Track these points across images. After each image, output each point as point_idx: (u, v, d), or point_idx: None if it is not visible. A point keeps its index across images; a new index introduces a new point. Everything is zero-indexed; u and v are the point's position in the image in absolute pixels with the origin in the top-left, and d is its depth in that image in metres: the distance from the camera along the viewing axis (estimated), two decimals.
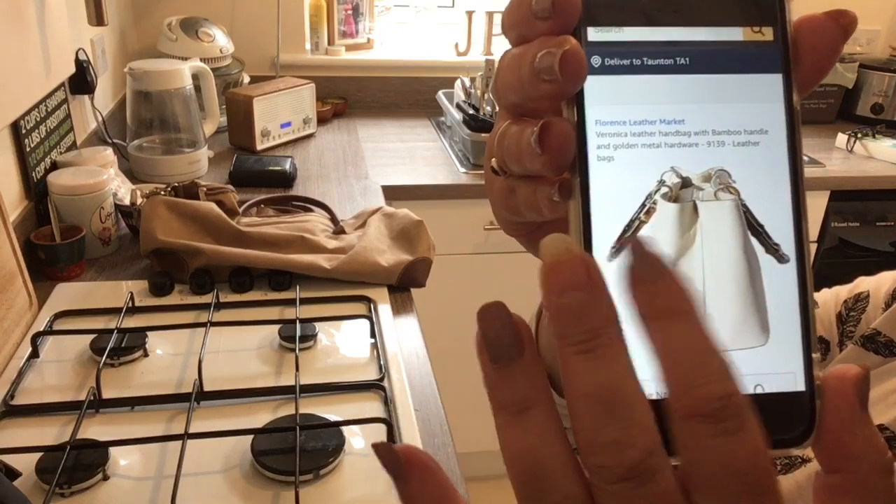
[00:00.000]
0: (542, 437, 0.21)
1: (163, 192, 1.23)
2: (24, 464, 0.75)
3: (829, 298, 0.55)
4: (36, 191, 1.25)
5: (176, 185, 1.26)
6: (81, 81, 1.51)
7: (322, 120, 2.09)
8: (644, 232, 0.24)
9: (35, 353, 0.95)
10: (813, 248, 2.05)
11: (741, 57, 0.25)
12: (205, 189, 1.26)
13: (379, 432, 0.84)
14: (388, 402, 0.90)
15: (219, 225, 1.18)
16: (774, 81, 0.25)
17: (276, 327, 1.02)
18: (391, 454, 0.23)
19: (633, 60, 0.24)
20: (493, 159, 0.28)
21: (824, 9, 0.25)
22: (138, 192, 1.31)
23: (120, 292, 1.12)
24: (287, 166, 1.63)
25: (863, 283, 0.53)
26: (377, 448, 0.23)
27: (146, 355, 0.97)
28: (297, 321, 1.01)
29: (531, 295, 0.47)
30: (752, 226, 0.24)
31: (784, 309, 0.24)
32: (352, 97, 2.28)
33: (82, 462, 0.76)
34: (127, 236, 1.31)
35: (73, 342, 0.98)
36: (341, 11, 2.25)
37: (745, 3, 0.25)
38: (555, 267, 0.20)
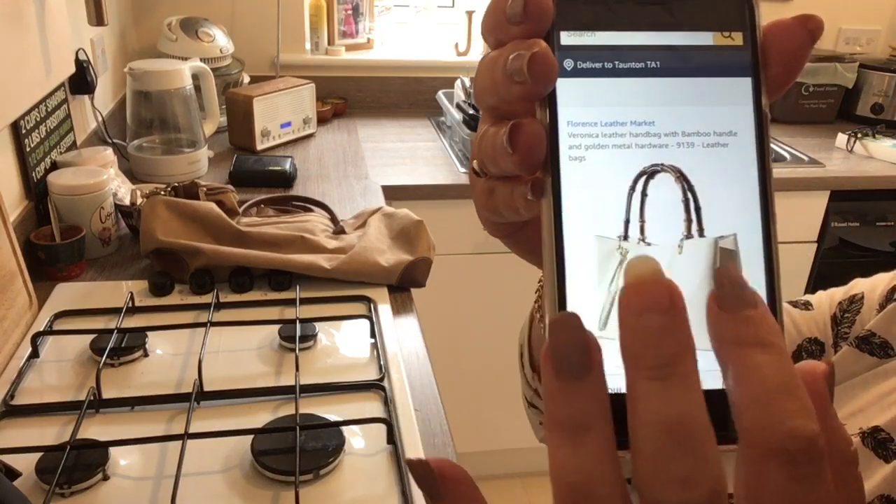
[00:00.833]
0: (596, 459, 0.20)
1: (163, 192, 1.23)
2: (24, 464, 0.75)
3: (824, 300, 0.55)
4: (36, 191, 1.25)
5: (176, 185, 1.26)
6: (81, 81, 1.51)
7: (322, 120, 2.09)
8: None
9: (35, 353, 0.95)
10: (813, 248, 2.05)
11: (711, 61, 0.25)
12: (205, 189, 1.26)
13: (379, 432, 0.84)
14: (388, 402, 0.90)
15: (219, 225, 1.18)
16: (744, 84, 0.25)
17: (276, 327, 1.02)
18: (427, 472, 0.22)
19: (606, 64, 0.25)
20: (475, 161, 0.28)
21: (821, 9, 0.25)
22: (138, 192, 1.31)
23: (120, 292, 1.12)
24: (287, 166, 1.63)
25: (858, 285, 0.53)
26: (412, 465, 0.23)
27: (146, 355, 0.97)
28: (297, 321, 1.01)
29: (531, 295, 0.47)
30: (692, 210, 0.25)
31: None
32: (352, 97, 2.28)
33: (82, 462, 0.76)
34: (127, 236, 1.31)
35: (73, 342, 0.98)
36: (341, 11, 2.25)
37: (715, 9, 0.25)
38: (638, 287, 0.20)
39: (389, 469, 0.80)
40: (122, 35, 1.96)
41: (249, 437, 0.81)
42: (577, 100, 0.25)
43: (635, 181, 0.24)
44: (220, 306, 1.08)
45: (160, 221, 1.15)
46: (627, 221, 0.24)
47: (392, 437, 0.83)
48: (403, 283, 1.17)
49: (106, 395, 0.87)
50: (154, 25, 2.01)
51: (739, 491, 0.20)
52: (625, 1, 0.25)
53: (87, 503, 0.74)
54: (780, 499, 0.19)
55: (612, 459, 0.20)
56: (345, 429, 0.83)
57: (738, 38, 0.25)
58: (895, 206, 2.06)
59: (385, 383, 0.93)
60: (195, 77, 1.68)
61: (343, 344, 1.02)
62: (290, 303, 1.09)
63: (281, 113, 1.86)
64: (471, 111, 1.88)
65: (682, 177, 0.25)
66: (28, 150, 1.23)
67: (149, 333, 0.99)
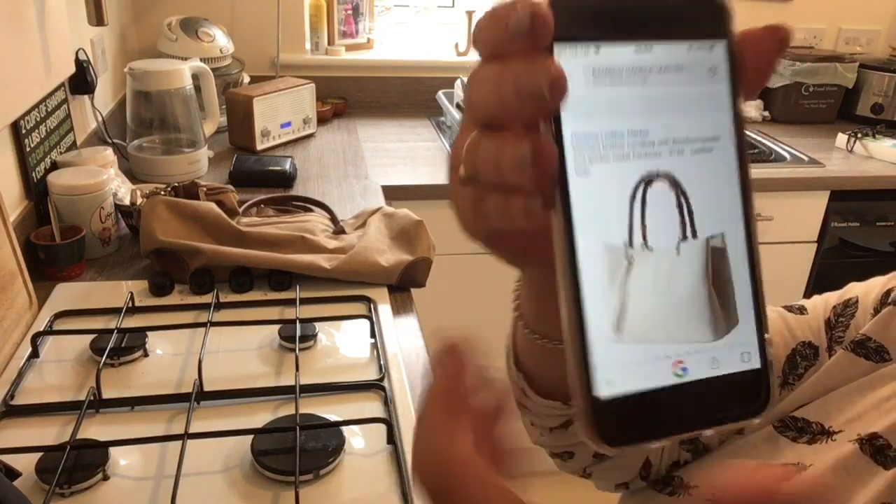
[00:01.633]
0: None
1: (163, 192, 1.23)
2: (24, 464, 0.75)
3: (819, 304, 0.55)
4: (36, 191, 1.25)
5: (176, 185, 1.26)
6: (81, 81, 1.51)
7: (322, 120, 2.09)
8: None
9: (35, 353, 0.95)
10: (813, 248, 2.05)
11: (694, 69, 0.26)
12: (205, 189, 1.26)
13: (379, 432, 0.84)
14: (388, 402, 0.90)
15: (219, 225, 1.18)
16: (723, 91, 0.27)
17: (276, 327, 1.02)
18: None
19: (597, 76, 0.25)
20: (462, 168, 0.28)
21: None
22: (138, 192, 1.31)
23: (120, 292, 1.12)
24: (287, 166, 1.63)
25: (853, 289, 0.53)
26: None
27: (146, 355, 0.97)
28: (297, 321, 1.01)
29: None
30: (686, 218, 0.26)
31: (741, 299, 0.27)
32: (352, 97, 2.28)
33: (82, 462, 0.76)
34: (127, 236, 1.31)
35: (73, 342, 0.98)
36: (341, 11, 2.25)
37: (696, 20, 0.27)
38: None
39: (389, 469, 0.80)
40: (122, 35, 1.96)
41: (249, 437, 0.81)
42: (577, 112, 0.25)
43: (635, 189, 0.25)
44: (220, 306, 1.08)
45: (160, 221, 1.15)
46: (631, 228, 0.25)
47: (392, 438, 0.83)
48: (403, 283, 1.17)
49: (106, 395, 0.87)
50: (154, 25, 2.01)
51: None
52: (610, 11, 0.25)
53: (87, 503, 0.74)
54: None
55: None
56: (345, 429, 0.83)
57: (717, 47, 0.27)
58: (895, 206, 2.06)
59: (385, 383, 0.93)
60: (195, 77, 1.68)
61: (343, 344, 1.02)
62: (290, 303, 1.09)
63: (281, 113, 1.86)
64: None
65: (675, 183, 0.26)
66: (28, 150, 1.23)
67: (149, 333, 0.99)
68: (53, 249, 1.15)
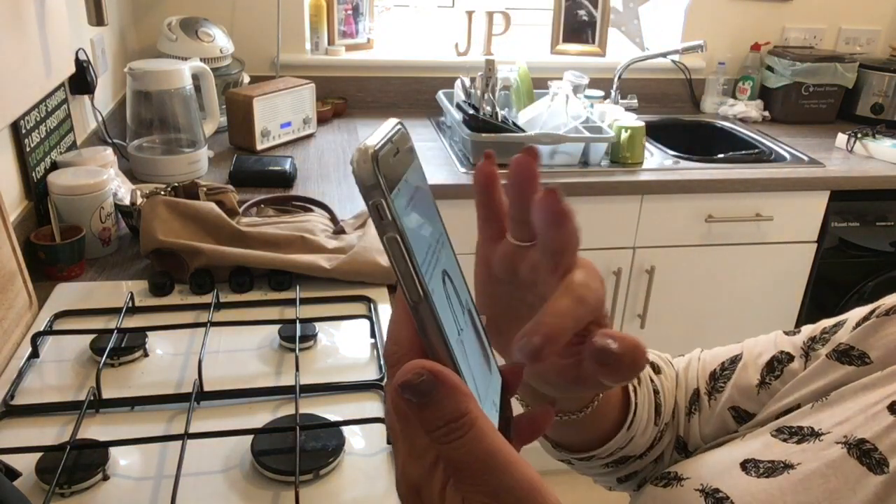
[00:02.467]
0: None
1: (163, 192, 1.23)
2: (24, 464, 0.75)
3: (813, 326, 0.56)
4: (36, 191, 1.25)
5: (176, 185, 1.26)
6: (81, 81, 1.51)
7: (322, 120, 2.09)
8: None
9: (35, 353, 0.95)
10: (813, 248, 2.05)
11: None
12: (205, 189, 1.26)
13: (379, 432, 0.84)
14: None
15: (219, 225, 1.18)
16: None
17: (276, 327, 1.02)
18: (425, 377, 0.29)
19: (410, 205, 0.30)
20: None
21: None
22: (138, 192, 1.31)
23: (120, 292, 1.12)
24: (287, 166, 1.63)
25: (851, 313, 0.54)
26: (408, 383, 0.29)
27: (146, 355, 0.97)
28: (297, 321, 1.01)
29: None
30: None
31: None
32: (352, 97, 2.28)
33: (82, 462, 0.76)
34: (127, 236, 1.31)
35: (73, 342, 0.98)
36: (341, 11, 2.25)
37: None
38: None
39: (389, 469, 0.80)
40: (122, 35, 1.96)
41: (249, 437, 0.81)
42: (414, 233, 0.29)
43: (445, 288, 0.32)
44: (220, 306, 1.08)
45: (160, 221, 1.15)
46: (455, 318, 0.32)
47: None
48: None
49: (106, 395, 0.87)
50: (154, 25, 2.01)
51: None
52: (397, 154, 0.30)
53: (87, 503, 0.74)
54: None
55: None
56: (345, 429, 0.83)
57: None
58: (895, 206, 2.06)
59: (385, 383, 0.93)
60: (195, 77, 1.68)
61: (343, 344, 1.02)
62: (290, 303, 1.09)
63: (281, 113, 1.86)
64: (471, 111, 1.88)
65: (448, 274, 0.33)
66: (28, 150, 1.23)
67: (149, 333, 0.99)
68: (53, 249, 1.15)
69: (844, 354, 0.50)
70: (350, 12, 2.27)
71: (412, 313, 0.30)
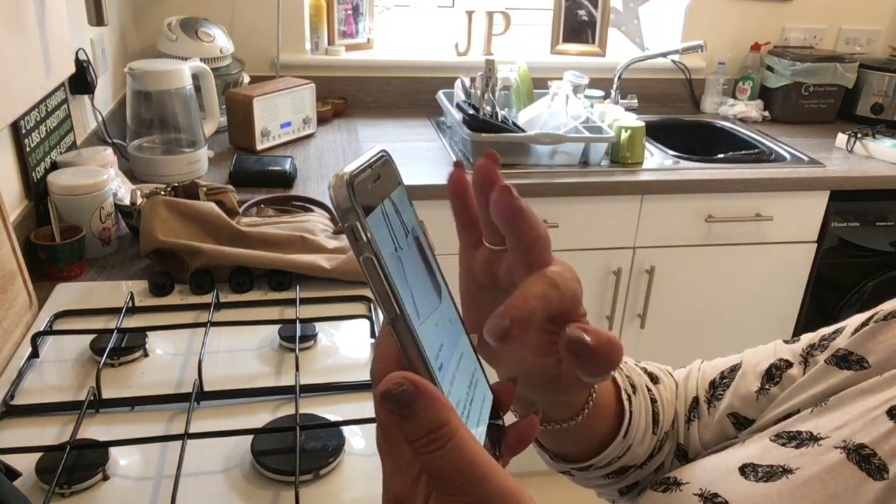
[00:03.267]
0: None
1: (163, 192, 1.23)
2: (24, 464, 0.75)
3: (813, 334, 0.56)
4: (36, 191, 1.25)
5: (176, 185, 1.26)
6: (81, 81, 1.51)
7: (322, 120, 2.09)
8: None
9: (35, 353, 0.95)
10: (813, 248, 2.05)
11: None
12: (205, 189, 1.26)
13: None
14: None
15: (219, 225, 1.18)
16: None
17: (276, 327, 1.02)
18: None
19: (389, 227, 0.31)
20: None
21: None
22: (138, 192, 1.31)
23: (120, 292, 1.12)
24: (287, 166, 1.63)
25: (849, 320, 0.54)
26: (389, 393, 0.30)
27: (146, 355, 0.97)
28: (297, 321, 1.01)
29: None
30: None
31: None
32: (352, 97, 2.28)
33: (82, 462, 0.76)
34: (127, 236, 1.31)
35: (73, 342, 0.98)
36: (341, 11, 2.25)
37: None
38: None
39: None
40: (122, 35, 1.96)
41: (249, 437, 0.81)
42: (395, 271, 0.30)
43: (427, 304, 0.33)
44: (220, 306, 1.08)
45: (160, 221, 1.15)
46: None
47: None
48: None
49: (106, 395, 0.87)
50: (154, 25, 2.01)
51: None
52: (378, 180, 0.31)
53: (87, 503, 0.74)
54: None
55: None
56: (345, 429, 0.83)
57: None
58: (895, 206, 2.06)
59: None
60: (195, 77, 1.68)
61: (343, 344, 1.02)
62: (290, 303, 1.09)
63: (281, 113, 1.86)
64: (471, 111, 1.88)
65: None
66: (28, 150, 1.23)
67: (149, 333, 0.99)
68: (53, 249, 1.15)
69: (843, 359, 0.50)
70: (350, 12, 2.27)
71: (391, 330, 0.30)
